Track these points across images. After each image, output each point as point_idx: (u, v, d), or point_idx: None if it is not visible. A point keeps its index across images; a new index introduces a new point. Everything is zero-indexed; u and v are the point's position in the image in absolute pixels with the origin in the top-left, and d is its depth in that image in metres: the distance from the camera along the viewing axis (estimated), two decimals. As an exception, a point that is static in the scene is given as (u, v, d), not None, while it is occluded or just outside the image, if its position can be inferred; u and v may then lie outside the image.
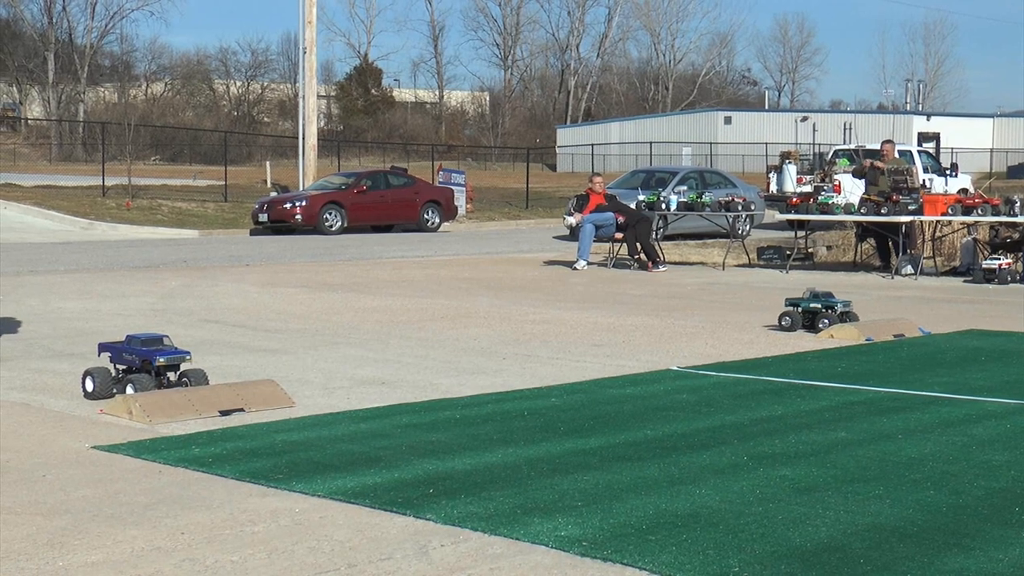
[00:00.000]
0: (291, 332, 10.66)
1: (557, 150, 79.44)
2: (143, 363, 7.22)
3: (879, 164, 18.02)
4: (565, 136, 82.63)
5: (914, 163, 25.81)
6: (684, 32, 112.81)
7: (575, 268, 17.87)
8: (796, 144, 58.36)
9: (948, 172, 29.82)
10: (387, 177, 31.40)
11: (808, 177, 30.39)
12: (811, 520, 4.81)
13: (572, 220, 19.14)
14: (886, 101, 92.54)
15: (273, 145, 62.88)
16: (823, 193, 19.75)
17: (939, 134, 68.30)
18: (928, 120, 73.92)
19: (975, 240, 17.62)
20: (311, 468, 5.62)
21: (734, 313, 12.50)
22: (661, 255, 18.61)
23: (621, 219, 18.26)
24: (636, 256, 18.21)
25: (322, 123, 68.56)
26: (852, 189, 23.88)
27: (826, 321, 10.69)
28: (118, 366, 7.39)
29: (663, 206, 19.38)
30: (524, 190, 40.56)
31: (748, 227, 24.67)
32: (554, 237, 26.57)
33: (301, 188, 32.97)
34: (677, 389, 7.91)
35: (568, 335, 10.58)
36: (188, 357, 7.30)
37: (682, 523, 4.76)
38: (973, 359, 9.35)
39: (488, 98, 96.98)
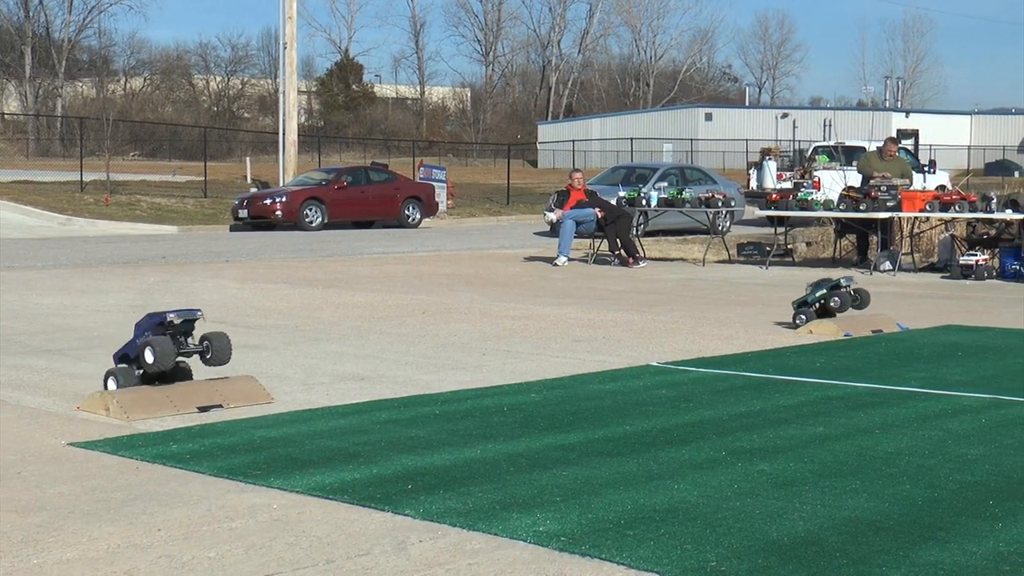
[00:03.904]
0: (270, 328, 10.64)
1: (538, 146, 79.52)
2: (158, 327, 6.84)
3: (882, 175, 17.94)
4: (546, 132, 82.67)
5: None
6: (665, 28, 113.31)
7: (555, 264, 17.88)
8: (776, 141, 58.54)
9: (926, 169, 29.92)
10: (368, 173, 31.37)
11: (788, 174, 30.49)
12: (788, 514, 4.82)
13: (552, 216, 19.15)
14: (866, 98, 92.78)
15: (253, 141, 62.75)
16: (803, 189, 19.83)
17: (918, 131, 68.60)
18: (907, 117, 74.25)
19: (953, 236, 17.69)
20: (289, 464, 5.62)
21: (714, 309, 12.52)
22: (641, 251, 18.63)
23: (602, 215, 18.27)
24: (616, 252, 18.23)
25: (303, 119, 68.31)
26: (831, 185, 23.96)
27: (837, 299, 10.54)
28: (132, 366, 6.96)
29: (643, 202, 19.40)
30: (505, 186, 40.56)
31: (728, 223, 24.72)
32: (535, 233, 26.58)
33: (281, 184, 32.92)
34: (656, 385, 7.93)
35: (548, 331, 10.59)
36: (200, 315, 6.98)
37: (660, 518, 4.77)
38: (950, 354, 9.40)
39: (469, 94, 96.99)
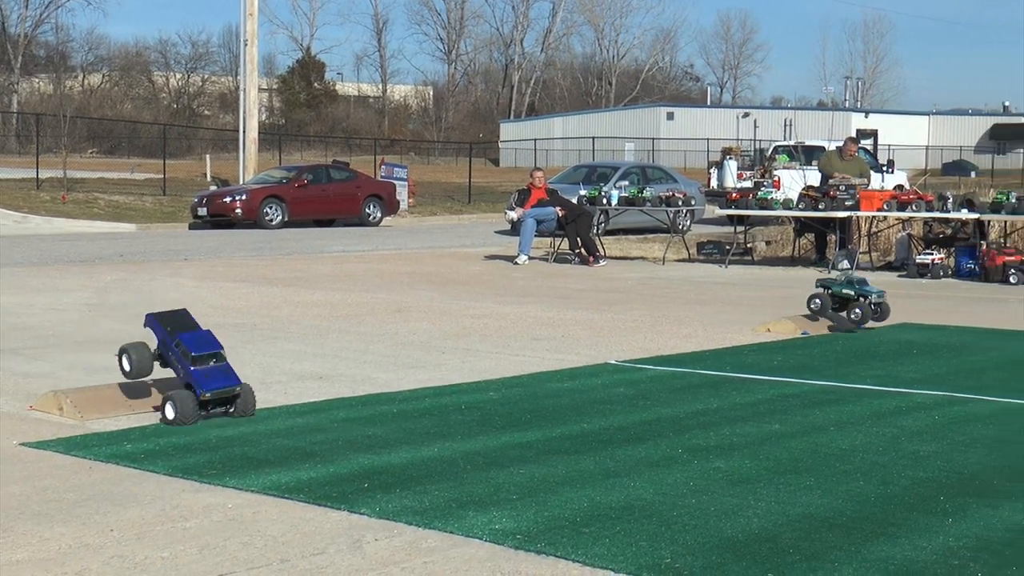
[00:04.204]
0: (229, 326, 10.58)
1: (500, 145, 79.55)
2: (187, 386, 6.49)
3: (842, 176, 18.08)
4: (508, 131, 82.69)
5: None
6: (628, 27, 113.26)
7: (516, 263, 17.89)
8: (737, 140, 58.83)
9: (885, 168, 30.16)
10: (329, 171, 31.25)
11: (749, 173, 30.71)
12: (743, 511, 4.85)
13: (513, 215, 19.15)
14: (826, 98, 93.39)
15: (213, 138, 62.42)
16: (763, 189, 19.91)
17: (877, 131, 69.05)
18: (866, 117, 74.82)
19: (909, 235, 17.83)
20: (245, 463, 5.59)
21: (673, 307, 12.57)
22: (602, 250, 18.67)
23: (562, 214, 18.30)
24: (577, 251, 18.26)
25: (263, 116, 68.03)
26: (791, 184, 24.12)
27: (858, 311, 10.30)
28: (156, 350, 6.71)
29: (604, 201, 19.44)
30: (467, 185, 40.54)
31: (689, 222, 24.79)
32: (496, 232, 26.58)
33: (241, 182, 32.75)
34: (615, 383, 7.95)
35: (508, 329, 10.59)
36: (237, 389, 6.59)
37: (616, 515, 4.78)
38: (905, 352, 9.47)
39: (432, 92, 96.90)
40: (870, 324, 10.51)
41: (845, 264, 16.91)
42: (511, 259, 18.24)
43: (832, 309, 10.45)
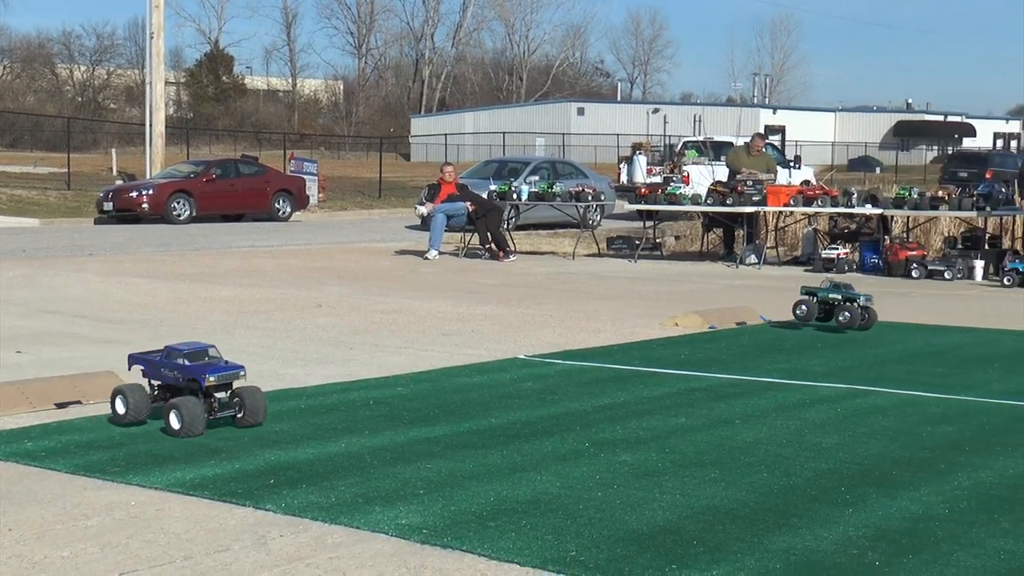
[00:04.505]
0: (134, 323, 10.44)
1: (411, 140, 79.27)
2: (189, 382, 6.17)
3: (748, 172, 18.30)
4: (419, 126, 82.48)
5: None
6: (538, 23, 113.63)
7: (426, 257, 17.86)
8: (647, 135, 59.25)
9: (792, 164, 30.60)
10: (237, 166, 30.93)
11: (658, 168, 30.92)
12: (648, 504, 4.90)
13: (423, 210, 19.11)
14: (735, 94, 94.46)
15: (120, 132, 61.41)
16: (672, 184, 20.11)
17: (784, 127, 70.10)
18: (774, 113, 75.83)
19: (815, 230, 18.12)
20: (149, 460, 5.52)
21: (583, 302, 12.64)
22: (512, 245, 18.71)
23: (472, 209, 18.30)
24: (487, 246, 18.28)
25: (171, 110, 67.11)
26: (700, 180, 24.37)
27: (847, 314, 10.13)
28: (154, 382, 6.40)
29: (515, 196, 19.48)
30: (377, 180, 40.35)
31: (599, 217, 24.95)
32: (406, 227, 26.51)
33: (148, 176, 32.27)
34: (523, 377, 7.97)
35: (417, 324, 10.58)
36: (242, 373, 6.25)
37: (522, 509, 4.80)
38: (810, 346, 9.63)
39: (342, 87, 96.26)
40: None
41: (752, 258, 17.15)
42: (421, 254, 18.21)
43: (818, 316, 10.30)
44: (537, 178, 22.92)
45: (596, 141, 66.36)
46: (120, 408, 6.18)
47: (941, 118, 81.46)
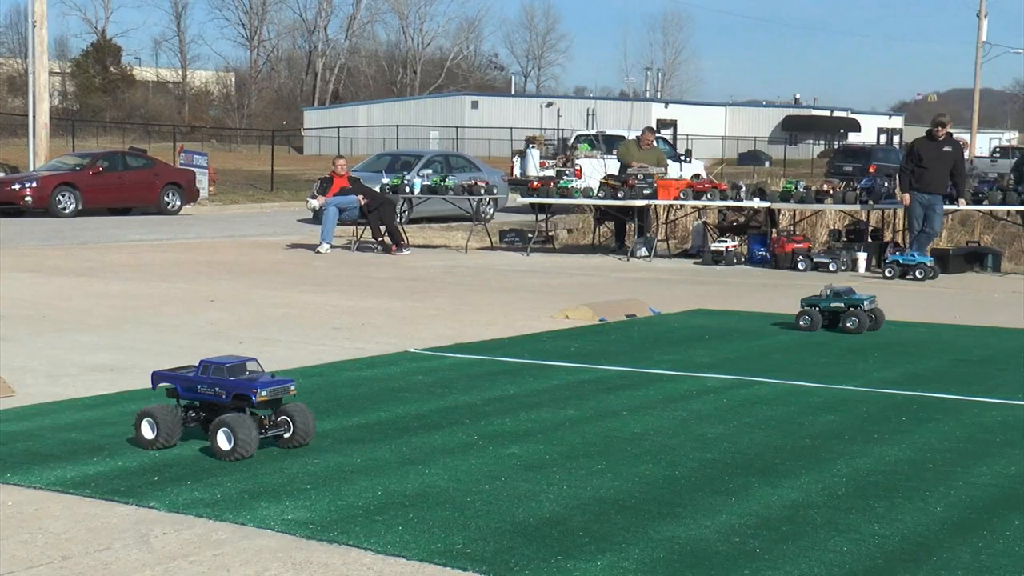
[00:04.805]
0: (16, 318, 10.20)
1: (304, 132, 78.60)
2: (236, 399, 5.57)
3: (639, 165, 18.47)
4: (312, 118, 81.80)
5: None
6: (432, 16, 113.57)
7: (318, 251, 17.73)
8: (541, 129, 59.48)
9: (682, 158, 30.94)
10: (125, 158, 30.35)
11: (551, 161, 31.02)
12: (536, 496, 4.93)
13: (315, 203, 18.97)
14: (627, 88, 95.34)
15: (2, 123, 59.93)
16: (564, 177, 20.20)
17: (676, 121, 70.83)
18: (666, 108, 76.58)
19: (705, 223, 18.36)
20: (28, 459, 5.41)
21: (475, 295, 12.65)
22: (405, 238, 18.65)
23: (365, 202, 18.21)
24: (380, 239, 18.21)
25: (56, 101, 65.73)
26: (592, 174, 24.51)
27: (855, 319, 9.87)
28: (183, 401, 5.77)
29: (407, 189, 19.42)
30: (269, 173, 39.95)
31: (492, 210, 24.99)
32: (298, 220, 26.27)
33: (32, 169, 31.51)
34: (414, 371, 7.96)
35: (308, 319, 10.50)
36: (293, 388, 5.71)
37: (410, 503, 4.80)
38: (698, 337, 9.76)
39: (234, 78, 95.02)
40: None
41: (643, 251, 17.32)
42: (313, 248, 18.07)
43: (824, 324, 10.02)
44: (430, 171, 22.84)
45: (490, 134, 66.43)
46: (148, 432, 5.57)
47: (828, 113, 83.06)
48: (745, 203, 17.20)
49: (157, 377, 5.90)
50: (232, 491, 4.92)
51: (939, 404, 7.00)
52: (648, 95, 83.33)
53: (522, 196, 19.99)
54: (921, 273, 14.48)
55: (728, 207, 17.68)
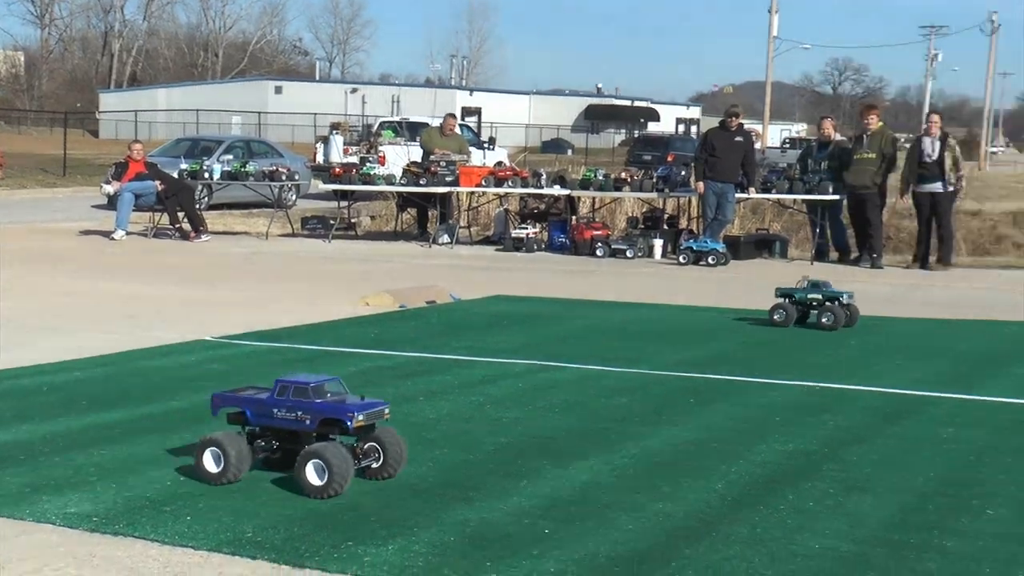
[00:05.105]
0: None
1: (99, 116, 76.09)
2: (323, 424, 4.84)
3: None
4: (109, 101, 79.24)
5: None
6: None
7: (113, 238, 17.23)
8: (346, 115, 59.05)
9: (486, 145, 31.15)
10: (-96, 140, 28.95)
11: (355, 148, 30.86)
12: (329, 482, 4.91)
13: (110, 188, 18.42)
14: (432, 76, 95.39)
15: None
16: (367, 164, 20.11)
17: (481, 109, 71.24)
18: (471, 95, 76.94)
19: (507, 211, 18.52)
20: None
21: (275, 283, 12.50)
22: (204, 225, 18.29)
23: (162, 188, 17.78)
24: (177, 226, 17.80)
25: None
26: (396, 160, 24.47)
27: (831, 315, 9.41)
28: (252, 427, 5.01)
29: (206, 175, 19.03)
30: (62, 156, 38.59)
31: (294, 197, 24.70)
32: (92, 206, 25.43)
33: None
34: (209, 359, 7.84)
35: (101, 307, 10.21)
36: (387, 411, 5.04)
37: (200, 492, 4.73)
38: (497, 323, 9.86)
39: (23, 58, 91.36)
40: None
41: (445, 238, 17.39)
42: (107, 234, 17.56)
43: (797, 318, 9.62)
44: (231, 157, 22.41)
45: (294, 120, 65.53)
46: (212, 464, 4.81)
47: (629, 103, 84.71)
48: (545, 191, 17.43)
49: (219, 400, 5.14)
50: (12, 486, 4.76)
51: (726, 386, 7.25)
52: (453, 83, 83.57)
53: (324, 183, 19.83)
54: (714, 259, 14.92)
55: (529, 195, 17.88)
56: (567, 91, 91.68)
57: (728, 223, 16.45)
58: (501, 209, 18.66)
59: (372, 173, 18.27)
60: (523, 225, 17.38)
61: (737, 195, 16.02)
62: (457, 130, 20.19)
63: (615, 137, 76.49)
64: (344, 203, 19.31)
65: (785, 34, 64.28)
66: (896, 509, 4.72)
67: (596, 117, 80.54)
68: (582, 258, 15.83)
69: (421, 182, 17.44)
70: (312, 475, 4.64)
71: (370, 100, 69.71)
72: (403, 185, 17.85)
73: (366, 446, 4.90)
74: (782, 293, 9.78)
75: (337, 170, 18.98)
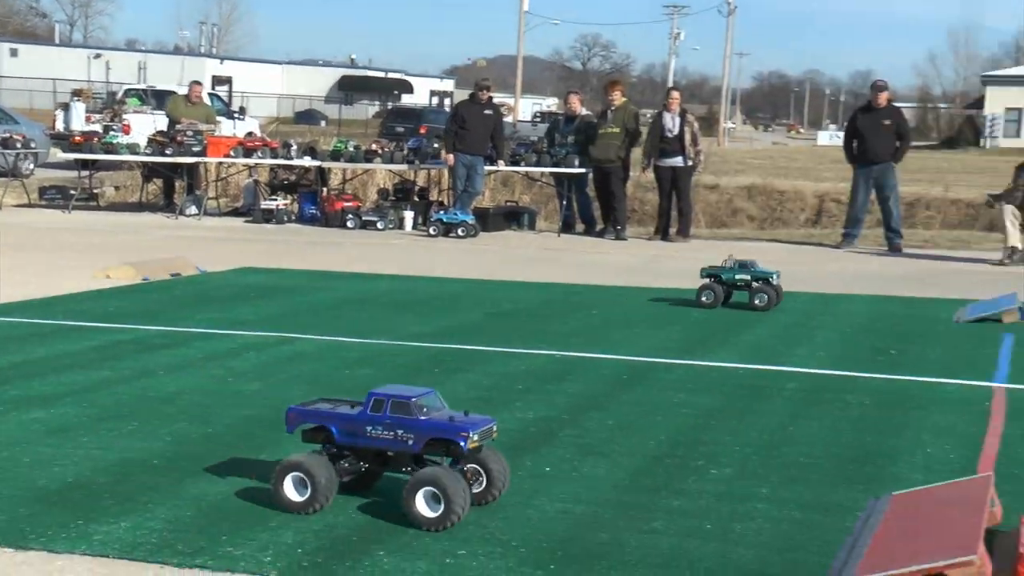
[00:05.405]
0: None
1: None
2: (429, 445, 4.20)
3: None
4: None
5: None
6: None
7: None
8: (89, 82, 56.81)
9: (237, 115, 30.56)
10: None
11: (98, 116, 29.77)
12: (59, 460, 4.77)
13: None
14: (181, 43, 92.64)
15: None
16: (111, 132, 19.45)
17: (231, 78, 69.73)
18: (222, 64, 75.23)
19: (256, 182, 18.22)
20: None
21: (10, 255, 11.95)
22: (-69, 194, 17.32)
23: None
24: (-98, 195, 16.82)
25: None
26: (141, 129, 23.72)
27: (764, 296, 9.20)
28: (337, 447, 4.34)
29: (-67, 141, 18.03)
30: None
31: (31, 166, 23.69)
32: None
33: None
34: (-67, 335, 7.45)
35: None
36: (495, 429, 4.37)
37: (-81, 475, 4.51)
38: (243, 295, 9.71)
39: None
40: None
41: (193, 209, 16.99)
42: None
43: (725, 299, 9.44)
44: (-40, 123, 21.31)
45: (31, 85, 62.59)
46: (294, 492, 4.18)
47: (383, 74, 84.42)
48: (296, 162, 17.23)
49: (295, 415, 4.43)
50: None
51: (470, 355, 7.35)
52: (203, 50, 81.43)
53: (64, 151, 19.07)
54: (463, 231, 15.06)
55: (279, 165, 17.64)
56: (320, 61, 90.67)
57: (478, 195, 16.63)
58: (250, 180, 18.34)
59: (115, 142, 17.66)
60: (273, 196, 17.15)
61: (486, 167, 16.21)
62: (205, 98, 19.74)
63: (369, 109, 76.11)
64: (85, 173, 18.62)
65: (537, 9, 65.40)
66: (629, 471, 4.89)
67: (350, 88, 79.94)
68: (333, 229, 15.72)
69: (167, 152, 16.97)
70: (423, 506, 4.07)
71: (115, 67, 67.23)
72: (148, 155, 17.32)
73: (466, 467, 4.29)
74: (708, 273, 9.51)
75: (78, 138, 18.25)
